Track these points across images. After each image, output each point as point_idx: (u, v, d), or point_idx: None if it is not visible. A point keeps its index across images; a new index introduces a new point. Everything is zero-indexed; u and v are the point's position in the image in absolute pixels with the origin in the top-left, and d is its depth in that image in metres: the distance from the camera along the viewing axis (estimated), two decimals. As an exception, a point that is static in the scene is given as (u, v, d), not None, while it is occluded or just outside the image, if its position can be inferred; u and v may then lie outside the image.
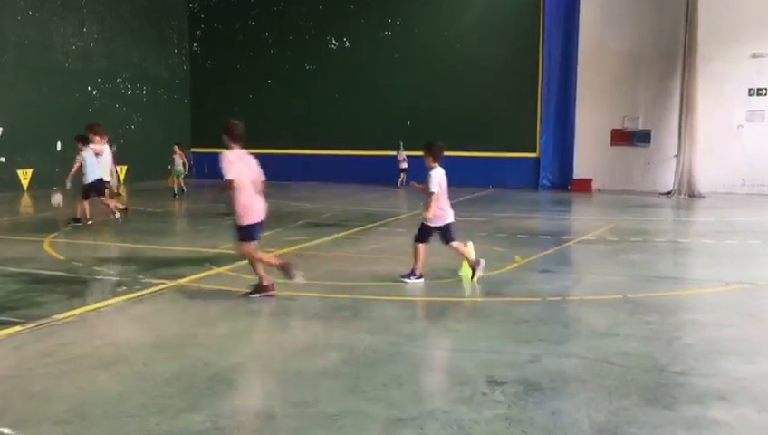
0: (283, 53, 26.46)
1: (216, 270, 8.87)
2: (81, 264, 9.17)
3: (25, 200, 18.79)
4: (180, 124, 27.24)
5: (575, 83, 23.49)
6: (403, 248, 10.83)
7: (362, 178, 24.88)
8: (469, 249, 8.49)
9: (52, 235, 11.84)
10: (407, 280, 8.11)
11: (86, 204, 12.86)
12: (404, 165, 23.78)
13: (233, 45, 26.96)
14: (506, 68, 24.15)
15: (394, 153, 24.17)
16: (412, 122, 24.73)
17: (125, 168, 23.70)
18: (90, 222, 12.86)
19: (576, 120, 23.61)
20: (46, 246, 10.55)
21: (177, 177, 19.23)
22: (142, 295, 7.43)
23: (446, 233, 8.27)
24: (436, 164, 8.34)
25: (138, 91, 25.15)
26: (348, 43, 26.07)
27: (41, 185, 21.04)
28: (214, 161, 23.51)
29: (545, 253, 10.51)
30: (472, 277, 8.26)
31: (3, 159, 19.99)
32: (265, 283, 7.40)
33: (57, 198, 14.19)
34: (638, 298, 7.48)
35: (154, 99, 25.89)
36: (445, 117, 24.36)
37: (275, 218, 14.36)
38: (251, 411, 4.25)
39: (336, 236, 12.18)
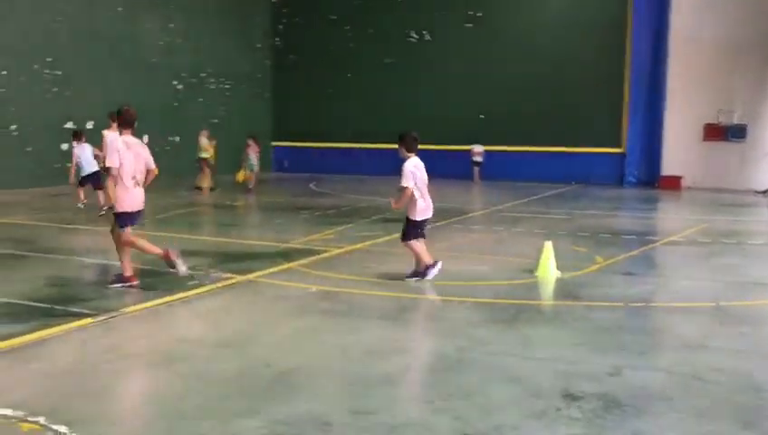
0: (364, 46, 26.39)
1: (286, 265, 8.77)
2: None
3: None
4: (261, 118, 27.59)
5: (665, 75, 22.43)
6: (477, 246, 10.50)
7: (437, 173, 24.48)
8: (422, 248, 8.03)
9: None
10: (412, 279, 7.79)
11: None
12: (478, 159, 23.40)
13: (314, 40, 27.07)
14: (591, 58, 23.30)
15: (468, 147, 23.78)
16: (492, 117, 24.23)
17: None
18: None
19: (665, 113, 22.54)
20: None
21: (251, 170, 19.03)
22: (212, 290, 7.39)
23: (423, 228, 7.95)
24: (411, 155, 7.95)
25: (221, 86, 25.59)
26: (428, 36, 25.73)
27: (127, 177, 21.71)
28: (294, 155, 23.79)
29: (629, 254, 9.95)
30: (419, 277, 7.80)
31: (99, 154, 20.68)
32: (127, 274, 7.34)
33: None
34: (731, 306, 6.92)
35: (237, 93, 26.29)
36: (526, 111, 23.76)
37: (349, 214, 14.30)
38: (308, 418, 4.06)
39: (410, 232, 11.92)
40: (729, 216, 15.00)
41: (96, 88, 20.52)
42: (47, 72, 19.24)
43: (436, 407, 4.27)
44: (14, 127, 18.50)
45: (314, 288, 7.54)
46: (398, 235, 11.36)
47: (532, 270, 8.41)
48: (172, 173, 22.44)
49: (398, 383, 4.69)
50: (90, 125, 20.47)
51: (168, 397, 4.37)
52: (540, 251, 8.45)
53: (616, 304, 7.01)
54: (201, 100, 24.62)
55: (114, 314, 6.31)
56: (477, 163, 23.39)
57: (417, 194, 7.84)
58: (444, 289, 7.52)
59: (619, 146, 23.43)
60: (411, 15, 25.72)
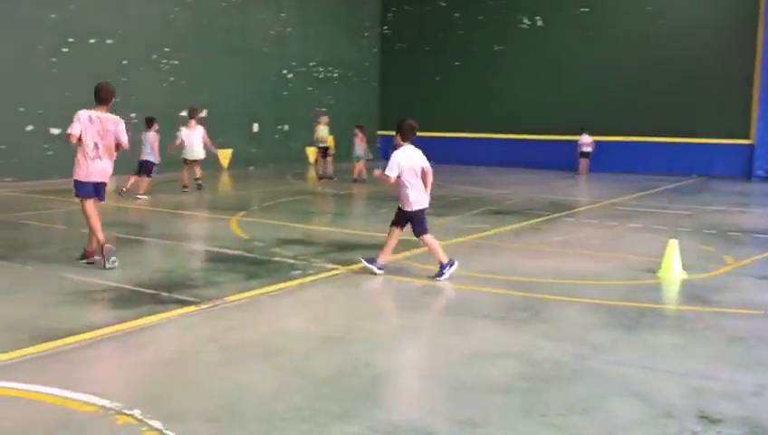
0: (473, 34, 25.82)
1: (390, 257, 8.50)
2: (261, 244, 9.24)
3: (224, 178, 19.83)
4: (368, 107, 27.58)
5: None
6: (591, 242, 9.87)
7: (544, 163, 23.74)
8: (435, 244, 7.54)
9: (241, 213, 12.19)
10: (439, 278, 7.24)
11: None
12: (587, 149, 22.22)
13: (422, 27, 26.75)
14: (717, 44, 21.77)
15: (577, 138, 22.73)
16: (605, 105, 23.10)
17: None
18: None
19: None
20: (233, 225, 10.83)
21: (357, 161, 18.70)
22: (314, 280, 7.24)
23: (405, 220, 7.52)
24: (405, 144, 7.50)
25: (329, 75, 25.72)
26: (540, 22, 24.85)
27: (239, 164, 22.23)
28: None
29: (764, 255, 9.06)
30: (437, 276, 7.27)
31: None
32: (89, 249, 7.56)
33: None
34: None
35: (345, 82, 26.38)
36: (642, 99, 22.53)
37: (455, 205, 13.91)
38: (409, 427, 3.76)
39: (518, 225, 11.43)
40: None
41: (210, 77, 21.05)
42: (164, 61, 19.88)
43: (550, 422, 3.87)
44: (133, 115, 19.22)
45: (418, 282, 7.24)
46: (508, 227, 10.94)
47: (653, 270, 7.78)
48: (281, 161, 22.88)
49: (508, 392, 4.31)
50: (204, 113, 21.04)
51: (265, 395, 4.19)
52: (662, 249, 7.79)
53: (753, 311, 6.31)
54: (309, 88, 24.84)
55: (217, 302, 6.25)
56: (586, 154, 22.24)
57: (406, 184, 7.43)
58: (557, 288, 7.04)
59: (746, 137, 21.80)
60: (523, 1, 24.90)
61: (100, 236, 7.50)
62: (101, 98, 7.56)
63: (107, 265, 7.35)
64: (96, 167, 7.47)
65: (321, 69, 25.32)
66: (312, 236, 10.01)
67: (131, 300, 6.26)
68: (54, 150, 17.37)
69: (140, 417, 3.79)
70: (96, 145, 7.42)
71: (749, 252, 9.18)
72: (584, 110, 23.46)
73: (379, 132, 27.38)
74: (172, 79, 20.14)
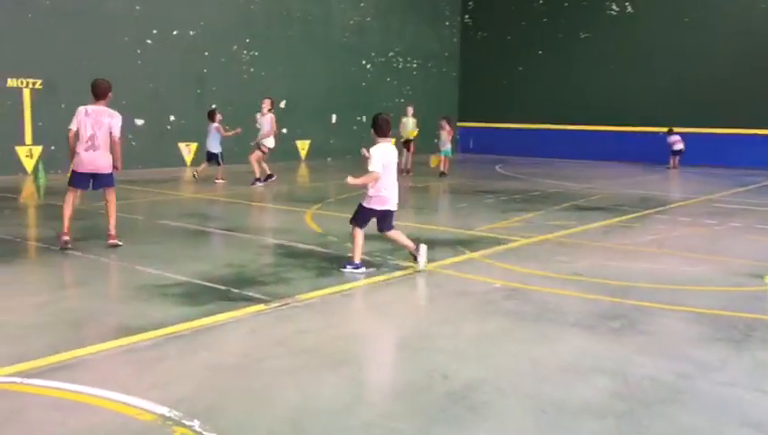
0: (557, 21, 24.90)
1: (468, 255, 8.09)
2: (336, 238, 8.97)
3: (301, 170, 19.76)
4: (448, 98, 27.06)
5: None
6: (687, 242, 9.15)
7: (635, 157, 22.68)
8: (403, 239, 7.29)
9: (317, 205, 11.98)
10: (344, 269, 7.05)
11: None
12: (678, 146, 21.06)
13: (504, 15, 26.01)
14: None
15: (665, 130, 21.58)
16: (702, 95, 21.83)
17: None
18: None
19: None
20: (308, 218, 10.62)
21: (445, 155, 17.80)
22: (388, 279, 6.89)
23: (382, 220, 7.19)
24: (381, 139, 7.15)
25: (408, 65, 25.34)
26: (630, 8, 23.69)
27: (317, 155, 22.16)
28: (479, 136, 22.71)
29: None
30: (415, 262, 7.16)
31: (284, 131, 21.24)
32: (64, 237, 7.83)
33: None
34: None
35: (424, 72, 25.94)
36: (741, 88, 21.18)
37: (538, 199, 13.31)
38: (491, 454, 3.35)
39: (605, 222, 10.78)
40: None
41: (289, 68, 21.02)
42: (244, 52, 19.94)
43: (653, 456, 3.38)
44: (214, 106, 19.37)
45: (499, 283, 6.79)
46: (595, 224, 10.30)
47: (761, 275, 7.06)
48: (359, 153, 22.66)
49: (603, 415, 3.84)
50: (282, 104, 21.06)
51: (333, 408, 3.86)
52: (773, 254, 7.07)
53: None
54: (388, 79, 24.52)
55: (288, 300, 5.98)
56: (677, 152, 21.09)
57: (381, 182, 7.04)
58: (652, 294, 6.45)
59: None
60: (612, -14, 23.79)
61: (65, 224, 7.89)
62: (96, 93, 7.85)
63: (62, 242, 7.79)
64: (88, 157, 7.78)
65: (400, 59, 24.96)
66: (387, 231, 9.65)
67: (200, 296, 6.08)
68: (138, 141, 17.67)
69: (199, 429, 3.53)
70: (91, 137, 7.73)
71: None
72: (676, 100, 22.29)
73: (459, 124, 26.82)
74: (252, 70, 20.18)
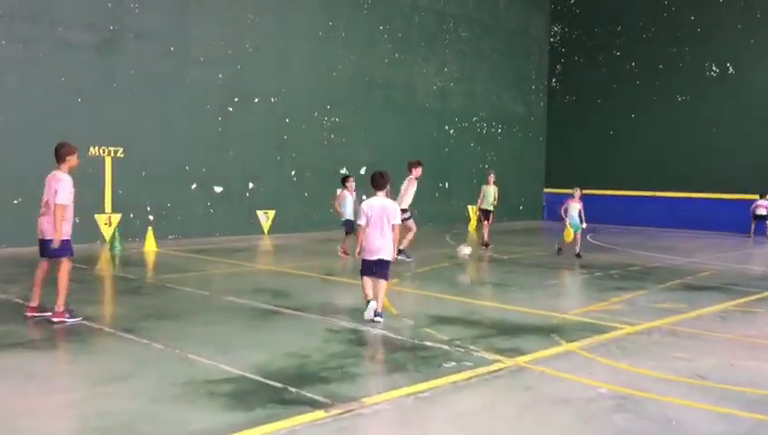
0: (651, 83, 23.69)
1: (564, 346, 6.98)
2: (411, 322, 8.05)
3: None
4: (534, 163, 26.07)
5: None
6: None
7: (729, 226, 20.90)
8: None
9: (394, 280, 11.10)
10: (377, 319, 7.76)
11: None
12: (761, 211, 19.57)
13: (594, 78, 24.99)
14: None
15: (757, 197, 20.00)
16: None
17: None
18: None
19: None
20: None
21: (576, 231, 14.39)
22: (470, 378, 5.88)
23: (378, 267, 7.90)
24: (376, 192, 8.01)
25: (493, 130, 24.56)
26: (731, 69, 22.25)
27: (396, 223, 21.39)
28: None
29: None
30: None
31: (364, 197, 20.68)
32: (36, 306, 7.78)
33: (464, 250, 14.24)
34: None
35: (509, 137, 25.08)
36: None
37: (639, 276, 11.98)
38: None
39: (722, 305, 9.43)
40: None
41: (369, 134, 20.59)
42: (325, 118, 19.64)
43: None
44: (293, 172, 19.06)
45: (605, 388, 5.67)
46: (710, 308, 8.93)
47: None
48: (440, 221, 21.76)
49: None
50: (362, 171, 20.56)
51: None
52: None
53: None
54: (472, 144, 23.77)
55: (352, 405, 5.08)
56: (760, 217, 19.78)
57: (366, 234, 7.86)
58: (802, 410, 5.19)
59: None
60: (711, 46, 22.47)
61: (33, 293, 7.78)
62: (56, 157, 7.71)
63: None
64: (40, 222, 7.67)
65: (484, 124, 24.21)
66: (471, 313, 8.67)
67: (252, 397, 5.25)
68: (215, 208, 17.42)
69: None
70: (45, 202, 7.63)
71: None
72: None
73: (546, 190, 25.68)
74: (332, 136, 19.84)
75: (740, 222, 20.76)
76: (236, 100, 17.69)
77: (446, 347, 6.88)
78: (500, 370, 6.14)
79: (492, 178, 16.65)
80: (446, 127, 23.00)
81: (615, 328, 7.84)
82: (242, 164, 17.81)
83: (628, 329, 7.85)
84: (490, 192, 16.31)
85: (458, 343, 7.06)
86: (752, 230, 20.08)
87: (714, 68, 22.54)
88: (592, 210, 24.04)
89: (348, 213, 13.82)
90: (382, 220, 7.81)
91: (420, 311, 8.71)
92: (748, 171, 21.25)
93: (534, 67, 26.09)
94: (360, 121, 20.37)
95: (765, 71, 21.41)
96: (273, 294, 9.65)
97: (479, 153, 23.90)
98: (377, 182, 7.98)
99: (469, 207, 23.72)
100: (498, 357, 6.51)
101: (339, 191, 14.51)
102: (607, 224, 22.76)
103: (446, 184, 23.02)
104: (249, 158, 17.92)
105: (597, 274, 12.33)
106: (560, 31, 26.27)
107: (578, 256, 14.26)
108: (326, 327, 7.72)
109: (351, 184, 14.04)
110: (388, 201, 8.05)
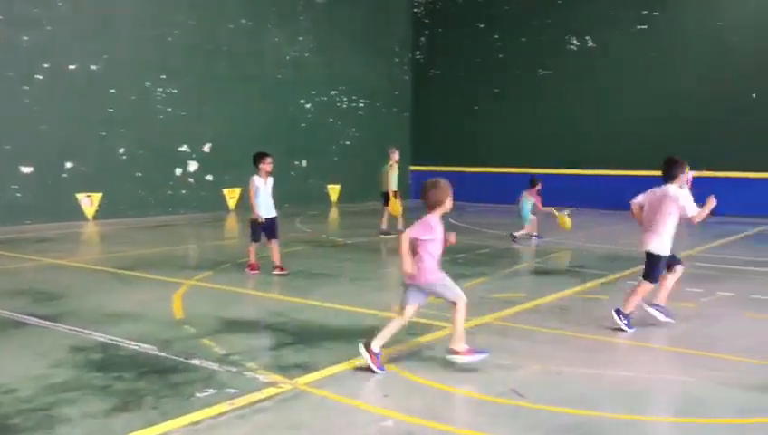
0: (515, 57, 22.99)
1: (358, 361, 5.59)
2: (193, 330, 6.52)
3: (229, 223, 17.22)
4: (398, 140, 24.85)
5: None
6: (675, 328, 6.77)
7: (596, 202, 20.56)
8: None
9: (204, 274, 9.51)
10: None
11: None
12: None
13: (459, 51, 24.06)
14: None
15: (643, 173, 19.54)
16: (675, 134, 19.81)
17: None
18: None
19: None
20: (178, 294, 8.13)
21: (528, 223, 13.38)
22: (221, 414, 4.43)
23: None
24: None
25: (354, 104, 23.17)
26: (591, 42, 21.87)
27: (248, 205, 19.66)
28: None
29: None
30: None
31: (209, 178, 18.83)
32: None
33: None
34: None
35: (372, 112, 23.78)
36: (713, 129, 19.34)
37: (486, 260, 10.81)
38: None
39: (564, 292, 8.46)
40: None
41: (214, 107, 18.69)
42: (160, 90, 17.56)
43: None
44: (122, 151, 16.93)
45: (393, 418, 4.38)
46: (548, 298, 7.77)
47: (787, 396, 4.74)
48: (296, 201, 20.12)
49: None
50: (207, 148, 18.71)
51: None
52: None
53: None
54: (331, 120, 22.30)
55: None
56: None
57: None
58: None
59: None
60: (572, 19, 21.99)
61: None
62: None
63: None
64: None
65: (344, 98, 22.76)
66: (276, 314, 7.24)
67: None
68: (24, 192, 15.10)
69: None
70: None
71: None
72: (638, 141, 20.30)
73: (412, 167, 24.64)
74: (169, 109, 17.79)
75: (611, 198, 20.14)
76: (46, 66, 15.33)
77: (215, 366, 5.40)
78: (268, 398, 4.73)
79: (394, 154, 14.82)
80: (302, 101, 21.38)
81: (438, 328, 6.62)
82: (57, 141, 15.52)
83: (452, 329, 6.63)
84: (390, 173, 14.54)
85: (236, 358, 5.60)
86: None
87: (574, 41, 22.10)
88: (458, 188, 23.10)
89: (262, 207, 9.60)
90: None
91: (213, 313, 7.18)
92: (610, 147, 20.97)
93: (397, 39, 24.87)
94: (202, 93, 18.40)
95: (624, 43, 21.11)
96: (34, 298, 7.83)
97: (339, 129, 22.48)
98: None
99: (329, 186, 22.34)
100: (276, 378, 5.10)
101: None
102: (473, 202, 21.91)
103: (303, 162, 21.47)
104: (66, 133, 15.65)
105: (443, 259, 11.15)
106: (423, 0, 25.17)
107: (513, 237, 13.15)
108: (73, 344, 6.04)
109: (266, 165, 9.75)
110: None
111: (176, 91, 17.88)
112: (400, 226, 13.59)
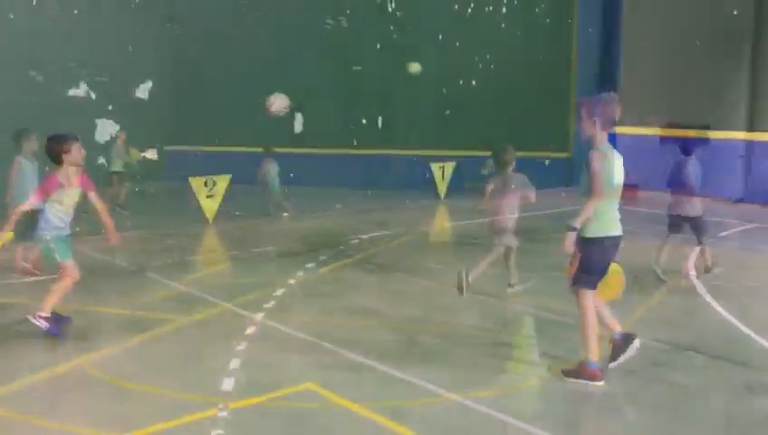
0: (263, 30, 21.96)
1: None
2: None
3: None
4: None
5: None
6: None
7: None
8: None
9: None
10: None
11: None
12: None
13: (204, 15, 22.32)
14: (532, 56, 20.07)
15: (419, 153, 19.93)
16: (406, 118, 20.52)
17: None
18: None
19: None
20: None
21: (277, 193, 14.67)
22: None
23: None
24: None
25: (104, 79, 20.82)
26: (345, 23, 21.67)
27: None
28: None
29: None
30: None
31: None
32: None
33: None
34: None
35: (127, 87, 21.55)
36: (423, 113, 20.42)
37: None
38: None
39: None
40: None
41: None
42: None
43: None
44: None
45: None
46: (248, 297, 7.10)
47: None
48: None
49: None
50: None
51: None
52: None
53: None
54: (70, 94, 20.06)
55: None
56: None
57: None
58: None
59: (564, 151, 20.20)
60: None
61: None
62: None
63: None
64: None
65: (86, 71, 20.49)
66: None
67: None
68: None
69: None
70: None
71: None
72: (402, 121, 20.85)
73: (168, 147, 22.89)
74: None
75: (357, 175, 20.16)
76: None
77: None
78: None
79: (122, 136, 15.25)
80: (34, 73, 18.97)
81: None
82: None
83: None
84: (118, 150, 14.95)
85: None
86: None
87: (328, 20, 21.79)
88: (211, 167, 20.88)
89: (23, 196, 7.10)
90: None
91: None
92: (369, 127, 21.16)
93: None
94: None
95: (374, 22, 21.18)
96: None
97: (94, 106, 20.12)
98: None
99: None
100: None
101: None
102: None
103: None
104: None
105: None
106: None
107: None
108: None
109: (30, 143, 8.39)
110: None
111: None
112: None
